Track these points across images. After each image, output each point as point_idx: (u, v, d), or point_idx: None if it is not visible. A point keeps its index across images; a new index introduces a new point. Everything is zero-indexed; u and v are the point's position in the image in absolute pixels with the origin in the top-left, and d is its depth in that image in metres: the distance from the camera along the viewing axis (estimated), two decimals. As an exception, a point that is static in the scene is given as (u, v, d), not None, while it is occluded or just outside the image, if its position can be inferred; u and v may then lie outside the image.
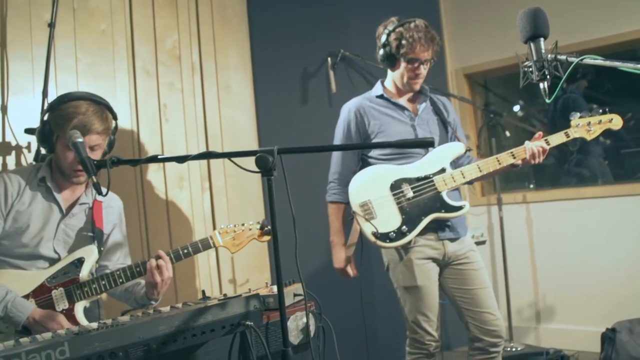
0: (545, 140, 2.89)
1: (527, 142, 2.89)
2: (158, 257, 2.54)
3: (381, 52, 3.05)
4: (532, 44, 2.13)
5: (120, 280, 2.53)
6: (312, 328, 2.12)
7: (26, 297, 2.42)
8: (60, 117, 2.48)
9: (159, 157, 1.88)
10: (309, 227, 4.29)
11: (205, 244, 2.67)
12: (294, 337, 2.05)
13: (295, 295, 2.17)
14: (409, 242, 2.89)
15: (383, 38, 3.02)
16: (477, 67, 4.90)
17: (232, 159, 1.90)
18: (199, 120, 4.04)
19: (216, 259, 4.05)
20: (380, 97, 3.09)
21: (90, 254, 2.57)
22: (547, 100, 2.22)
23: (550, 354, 4.19)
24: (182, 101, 3.97)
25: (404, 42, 2.93)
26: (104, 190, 2.01)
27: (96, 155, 2.50)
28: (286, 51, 4.43)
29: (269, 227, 2.71)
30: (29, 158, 3.30)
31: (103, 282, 2.51)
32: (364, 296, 3.02)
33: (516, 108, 5.26)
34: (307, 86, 4.46)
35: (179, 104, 3.95)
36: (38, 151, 3.16)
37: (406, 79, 3.03)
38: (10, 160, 3.25)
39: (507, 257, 4.64)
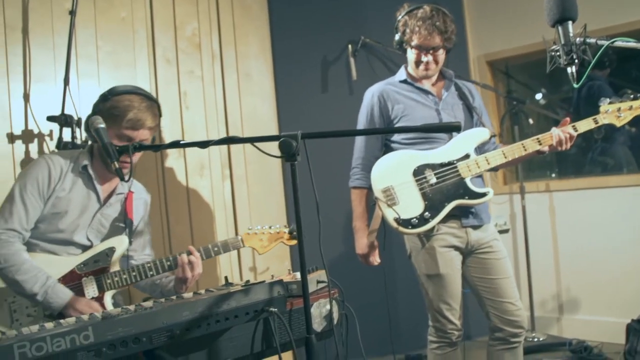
0: (573, 126, 2.83)
1: (553, 129, 2.83)
2: (189, 253, 2.56)
3: (395, 38, 3.05)
4: (559, 28, 2.08)
5: (151, 272, 2.56)
6: (335, 315, 2.10)
7: None
8: (114, 108, 2.50)
9: (181, 142, 1.86)
10: (329, 214, 4.27)
11: (235, 244, 2.73)
12: (317, 324, 2.03)
13: (318, 282, 2.14)
14: (432, 229, 2.85)
15: (396, 25, 3.02)
16: (500, 54, 4.82)
17: (255, 144, 1.86)
18: (219, 108, 4.03)
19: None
20: (404, 81, 3.04)
21: (121, 244, 2.59)
22: (575, 85, 2.16)
23: (573, 345, 4.13)
24: (202, 89, 3.96)
25: (407, 30, 2.94)
26: (125, 179, 2.03)
27: (136, 154, 2.53)
28: (306, 39, 4.40)
29: (296, 232, 2.68)
30: (51, 146, 3.31)
31: (134, 273, 2.54)
32: (387, 283, 2.98)
33: (538, 96, 5.16)
34: (327, 74, 4.42)
35: (199, 91, 3.94)
36: (60, 139, 3.17)
37: (415, 66, 2.99)
38: (33, 148, 3.26)
39: (529, 247, 4.58)
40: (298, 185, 1.80)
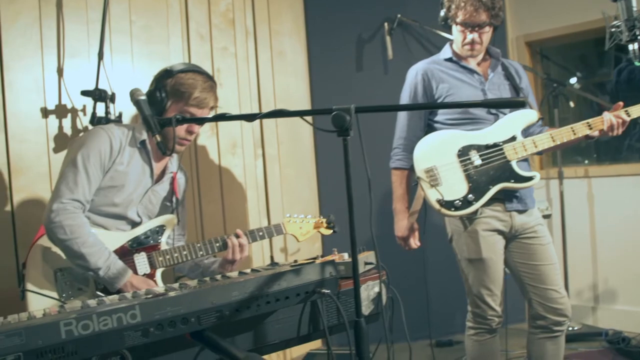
0: (625, 111, 2.70)
1: (605, 113, 2.70)
2: (237, 236, 2.57)
3: (440, 14, 2.92)
4: (622, 2, 1.95)
5: (201, 252, 2.53)
6: (383, 298, 2.01)
7: None
8: (180, 85, 2.44)
9: (227, 115, 1.77)
10: (364, 195, 4.19)
11: (278, 229, 2.75)
12: (365, 307, 1.94)
13: (366, 263, 2.05)
14: (475, 212, 2.74)
15: (441, 0, 2.90)
16: (539, 35, 4.65)
17: (305, 117, 1.77)
18: (252, 86, 3.94)
19: (268, 226, 3.98)
20: (449, 60, 2.92)
21: (170, 222, 2.57)
22: (637, 63, 2.05)
23: (610, 335, 4.02)
24: (235, 66, 3.87)
25: (452, 5, 2.81)
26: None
27: (198, 130, 2.51)
28: (341, 17, 4.29)
29: (334, 221, 2.91)
30: (84, 121, 3.25)
31: (185, 252, 2.51)
32: (430, 267, 2.89)
33: (572, 80, 5.01)
34: (362, 52, 4.31)
35: (232, 69, 3.85)
36: (94, 114, 3.10)
37: (460, 44, 2.87)
38: (66, 123, 3.21)
39: (566, 233, 4.44)
40: (350, 161, 1.70)
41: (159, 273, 2.47)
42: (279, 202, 4.01)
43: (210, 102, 2.49)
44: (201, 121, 1.88)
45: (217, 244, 2.57)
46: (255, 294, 1.58)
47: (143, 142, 2.50)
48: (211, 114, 2.56)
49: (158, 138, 1.95)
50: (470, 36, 2.82)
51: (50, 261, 2.34)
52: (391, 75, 4.25)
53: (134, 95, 2.07)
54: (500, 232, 2.82)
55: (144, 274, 2.41)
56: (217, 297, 1.52)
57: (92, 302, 1.63)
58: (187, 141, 2.51)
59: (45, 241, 2.38)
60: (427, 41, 4.30)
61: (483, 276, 2.83)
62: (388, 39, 4.18)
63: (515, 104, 1.73)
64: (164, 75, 2.48)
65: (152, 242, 2.49)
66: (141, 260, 2.43)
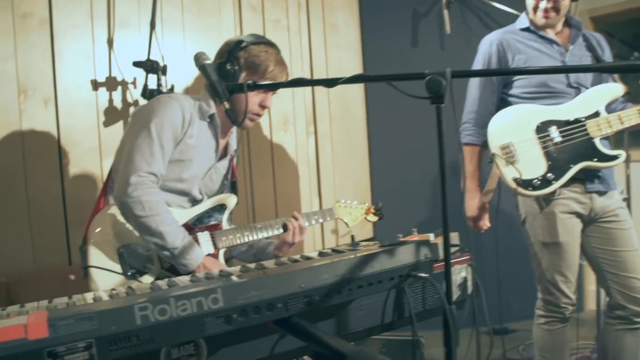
0: None
1: None
2: (296, 218, 2.47)
3: None
4: None
5: (262, 233, 2.39)
6: (469, 284, 1.82)
7: None
8: (255, 57, 2.27)
9: (304, 79, 1.58)
10: (427, 172, 3.99)
11: (331, 214, 2.68)
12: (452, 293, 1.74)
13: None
14: (553, 193, 2.53)
15: None
16: (605, 9, 4.36)
17: (393, 82, 1.57)
18: (304, 60, 3.76)
19: (319, 208, 3.81)
20: (526, 29, 2.68)
21: (231, 202, 2.41)
22: None
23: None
24: (288, 39, 3.69)
25: None
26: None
27: (270, 104, 2.36)
28: (396, -11, 4.06)
29: (381, 209, 2.86)
30: (134, 94, 3.10)
31: (246, 233, 2.36)
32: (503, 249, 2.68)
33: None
34: (417, 27, 4.08)
35: (284, 42, 3.67)
36: (145, 86, 2.95)
37: (533, 12, 2.64)
38: (116, 96, 3.08)
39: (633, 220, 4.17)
40: (443, 130, 1.50)
41: (221, 253, 2.31)
42: (330, 180, 3.84)
43: (284, 76, 2.33)
44: (275, 87, 1.69)
45: (277, 226, 2.44)
46: (347, 277, 1.39)
47: (212, 116, 2.31)
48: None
49: (227, 105, 1.77)
50: (543, 4, 2.58)
51: (113, 237, 2.17)
52: (448, 51, 4.02)
53: (199, 59, 1.88)
54: (578, 214, 2.60)
55: (208, 254, 2.25)
56: (306, 280, 1.33)
57: (161, 284, 1.46)
58: (258, 116, 2.34)
59: (105, 217, 2.21)
60: (486, 15, 4.05)
61: (558, 261, 2.62)
62: (446, 12, 3.94)
63: (636, 68, 1.50)
64: (236, 47, 2.28)
65: (213, 221, 2.33)
66: (205, 239, 2.26)
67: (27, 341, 1.10)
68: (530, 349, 3.41)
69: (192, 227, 2.26)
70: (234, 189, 2.51)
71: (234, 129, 2.51)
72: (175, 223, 2.13)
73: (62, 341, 1.12)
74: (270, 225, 2.42)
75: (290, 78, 3.60)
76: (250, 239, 2.36)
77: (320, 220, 2.61)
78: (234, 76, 2.25)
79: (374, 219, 2.85)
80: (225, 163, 2.45)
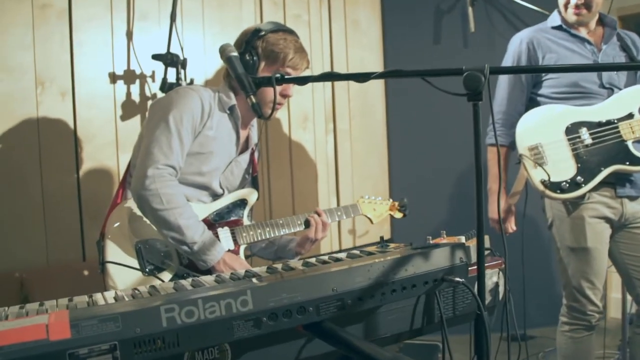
0: None
1: None
2: (318, 214, 2.39)
3: None
4: None
5: (283, 230, 2.33)
6: (500, 289, 1.75)
7: None
8: (274, 45, 2.21)
9: (335, 73, 1.52)
10: (449, 175, 3.92)
11: (355, 210, 2.61)
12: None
13: (482, 249, 1.79)
14: (583, 196, 2.46)
15: None
16: (634, 8, 4.27)
17: (427, 78, 1.51)
18: (325, 56, 3.71)
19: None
20: (558, 28, 2.62)
21: (252, 197, 2.37)
22: None
23: None
24: (308, 35, 3.64)
25: None
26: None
27: (292, 94, 2.30)
28: (419, -15, 4.00)
29: (406, 206, 2.77)
30: (153, 88, 3.06)
31: (268, 229, 2.30)
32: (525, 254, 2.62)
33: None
34: (440, 24, 4.01)
35: (305, 37, 3.61)
36: (164, 80, 2.91)
37: (564, 9, 2.59)
38: (135, 90, 3.03)
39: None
40: (480, 129, 1.44)
41: (242, 250, 2.26)
42: (349, 180, 3.79)
43: (305, 63, 2.27)
44: (304, 81, 1.62)
45: (299, 222, 2.38)
46: (380, 281, 1.33)
47: (232, 108, 2.25)
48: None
49: (253, 99, 1.71)
50: (574, 0, 2.52)
51: (131, 233, 2.13)
52: (472, 49, 3.95)
53: (225, 51, 1.83)
54: (608, 219, 2.53)
55: (228, 250, 2.19)
56: (338, 283, 1.28)
57: (186, 284, 1.41)
58: (280, 105, 2.29)
59: (124, 211, 2.16)
60: (511, 14, 3.98)
61: (585, 267, 2.55)
62: (470, 10, 3.87)
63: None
64: (253, 36, 2.22)
65: (234, 216, 2.28)
66: (225, 235, 2.21)
67: (48, 342, 1.06)
68: (550, 357, 3.35)
69: (212, 222, 2.21)
70: (254, 184, 2.45)
71: (255, 122, 2.47)
72: (195, 217, 2.08)
73: (84, 343, 1.08)
74: (292, 221, 2.37)
75: (311, 73, 3.57)
76: (272, 235, 2.31)
77: (344, 217, 2.55)
78: (253, 67, 2.20)
79: (399, 215, 2.79)
80: (246, 157, 2.40)
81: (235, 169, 2.34)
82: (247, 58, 2.19)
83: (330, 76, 1.55)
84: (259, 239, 2.29)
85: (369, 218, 2.68)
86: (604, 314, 2.67)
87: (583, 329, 2.63)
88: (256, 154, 2.49)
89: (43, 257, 2.78)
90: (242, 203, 2.31)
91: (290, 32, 2.28)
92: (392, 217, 2.80)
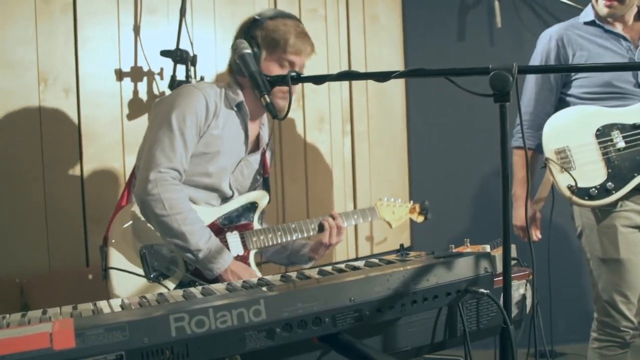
0: None
1: None
2: (333, 217, 2.42)
3: None
4: None
5: (296, 234, 2.36)
6: (528, 302, 1.75)
7: None
8: (274, 32, 2.24)
9: (354, 72, 1.53)
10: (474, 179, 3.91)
11: (373, 213, 2.62)
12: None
13: (509, 259, 1.79)
14: (614, 204, 2.46)
15: None
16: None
17: (452, 78, 1.51)
18: (342, 52, 3.73)
19: (355, 209, 3.78)
20: (591, 23, 2.61)
21: (263, 199, 2.40)
22: None
23: None
24: (325, 30, 3.66)
25: None
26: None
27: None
28: (442, -23, 4.01)
29: (428, 208, 2.79)
30: (161, 85, 3.09)
31: (279, 233, 2.33)
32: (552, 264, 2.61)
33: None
34: (465, 19, 4.01)
35: (321, 33, 3.64)
36: (173, 77, 2.93)
37: (596, 2, 2.58)
38: (142, 87, 3.06)
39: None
40: (507, 132, 1.44)
41: (252, 255, 2.28)
42: (366, 184, 3.80)
43: (308, 48, 2.29)
44: (321, 80, 1.63)
45: (312, 226, 2.40)
46: (400, 291, 1.34)
47: (240, 105, 2.28)
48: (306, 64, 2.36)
49: (267, 99, 1.72)
50: None
51: (136, 238, 2.16)
52: (498, 47, 3.94)
53: (238, 48, 1.85)
54: (642, 229, 2.52)
55: (237, 256, 2.22)
56: (356, 293, 1.29)
57: (195, 292, 1.42)
58: (287, 93, 2.26)
59: (128, 214, 2.19)
60: (541, 8, 3.96)
61: (618, 280, 2.54)
62: (497, 4, 3.85)
63: None
64: (252, 26, 2.27)
65: (244, 220, 2.30)
66: (234, 239, 2.24)
67: (52, 351, 1.07)
68: (581, 375, 3.33)
69: (221, 227, 2.23)
70: (266, 187, 2.47)
71: (266, 121, 2.49)
72: (200, 222, 2.10)
73: (90, 353, 1.09)
74: (305, 225, 2.39)
75: (327, 70, 3.59)
76: (284, 240, 2.34)
77: (361, 220, 2.56)
78: (256, 58, 2.19)
79: (420, 219, 2.79)
80: (257, 157, 2.42)
81: (245, 169, 2.36)
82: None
83: (349, 75, 1.57)
84: (270, 244, 2.31)
85: (387, 222, 2.69)
86: None
87: (616, 346, 2.62)
88: (268, 155, 2.50)
89: (45, 262, 2.80)
90: (252, 206, 2.34)
91: (291, 16, 2.32)
92: (412, 221, 2.80)
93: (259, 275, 2.24)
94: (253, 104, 2.30)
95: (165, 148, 2.09)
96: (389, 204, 2.69)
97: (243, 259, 2.24)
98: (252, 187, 2.42)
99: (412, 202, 2.79)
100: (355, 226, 3.76)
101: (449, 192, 3.94)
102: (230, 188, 2.32)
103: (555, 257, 3.16)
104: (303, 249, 2.47)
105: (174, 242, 2.05)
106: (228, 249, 2.21)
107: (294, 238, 2.37)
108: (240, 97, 2.28)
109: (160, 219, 2.05)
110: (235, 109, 2.28)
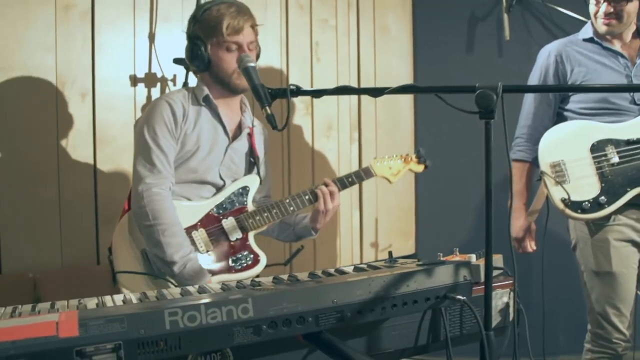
0: None
1: None
2: (326, 184, 2.48)
3: None
4: None
5: (291, 208, 2.44)
6: (510, 310, 1.86)
7: (194, 227, 2.33)
8: (208, 21, 2.36)
9: (349, 87, 1.65)
10: (469, 191, 3.99)
11: (367, 173, 2.60)
12: (492, 319, 1.78)
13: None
14: (606, 218, 2.54)
15: None
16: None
17: (441, 95, 1.63)
18: (352, 62, 3.83)
19: (359, 221, 3.87)
20: (590, 40, 2.69)
21: (253, 182, 2.50)
22: None
23: None
24: (335, 40, 3.77)
25: None
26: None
27: (253, 56, 2.40)
28: (452, -10, 4.10)
29: (424, 155, 2.76)
30: (174, 91, 3.21)
31: (275, 211, 2.43)
32: (545, 277, 2.70)
33: None
34: (474, 31, 4.10)
35: (332, 42, 3.75)
36: (186, 84, 3.06)
37: (594, 19, 2.66)
38: (155, 93, 3.19)
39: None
40: (492, 148, 1.55)
41: (251, 237, 2.41)
42: (372, 192, 3.90)
43: (246, 24, 2.37)
44: (319, 94, 1.75)
45: (307, 197, 2.47)
46: (380, 295, 1.46)
47: (206, 98, 2.42)
48: (255, 35, 2.44)
49: (268, 111, 1.84)
50: (604, 6, 2.59)
51: (137, 241, 2.31)
52: (507, 59, 4.02)
53: (242, 61, 1.97)
54: (635, 243, 2.61)
55: (237, 239, 2.36)
56: (339, 295, 1.41)
57: (192, 290, 1.55)
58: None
59: (125, 222, 2.36)
60: (550, 21, 4.05)
61: (610, 293, 2.62)
62: (506, 17, 3.94)
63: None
64: (192, 24, 2.41)
65: (237, 205, 2.42)
66: (230, 225, 2.36)
67: (57, 339, 1.20)
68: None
69: (215, 215, 2.36)
70: (253, 169, 2.57)
71: (247, 107, 2.59)
72: (181, 237, 2.23)
73: (91, 341, 1.22)
74: (299, 197, 2.46)
75: (337, 80, 3.70)
76: (280, 216, 2.43)
77: (356, 182, 2.58)
78: (203, 56, 2.36)
79: (419, 168, 2.76)
80: (243, 142, 2.53)
81: (234, 156, 2.49)
82: (195, 50, 2.37)
83: (344, 89, 1.69)
84: (267, 222, 2.41)
85: (386, 178, 2.68)
86: (632, 343, 2.71)
87: (608, 358, 2.68)
88: (257, 138, 2.59)
89: (57, 259, 2.93)
90: (244, 191, 2.45)
91: (226, 2, 2.38)
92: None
93: (260, 253, 2.41)
94: (219, 94, 2.44)
95: (146, 162, 2.27)
96: (383, 160, 2.68)
97: (242, 241, 2.36)
98: (249, 172, 2.54)
99: (406, 153, 2.79)
100: (360, 232, 3.86)
101: (454, 201, 4.02)
102: (221, 178, 2.44)
103: (551, 268, 3.25)
104: (303, 220, 2.55)
105: (153, 252, 2.22)
106: (226, 234, 2.35)
107: (290, 212, 2.45)
108: (205, 91, 2.41)
109: (145, 229, 2.22)
110: (204, 103, 2.42)
